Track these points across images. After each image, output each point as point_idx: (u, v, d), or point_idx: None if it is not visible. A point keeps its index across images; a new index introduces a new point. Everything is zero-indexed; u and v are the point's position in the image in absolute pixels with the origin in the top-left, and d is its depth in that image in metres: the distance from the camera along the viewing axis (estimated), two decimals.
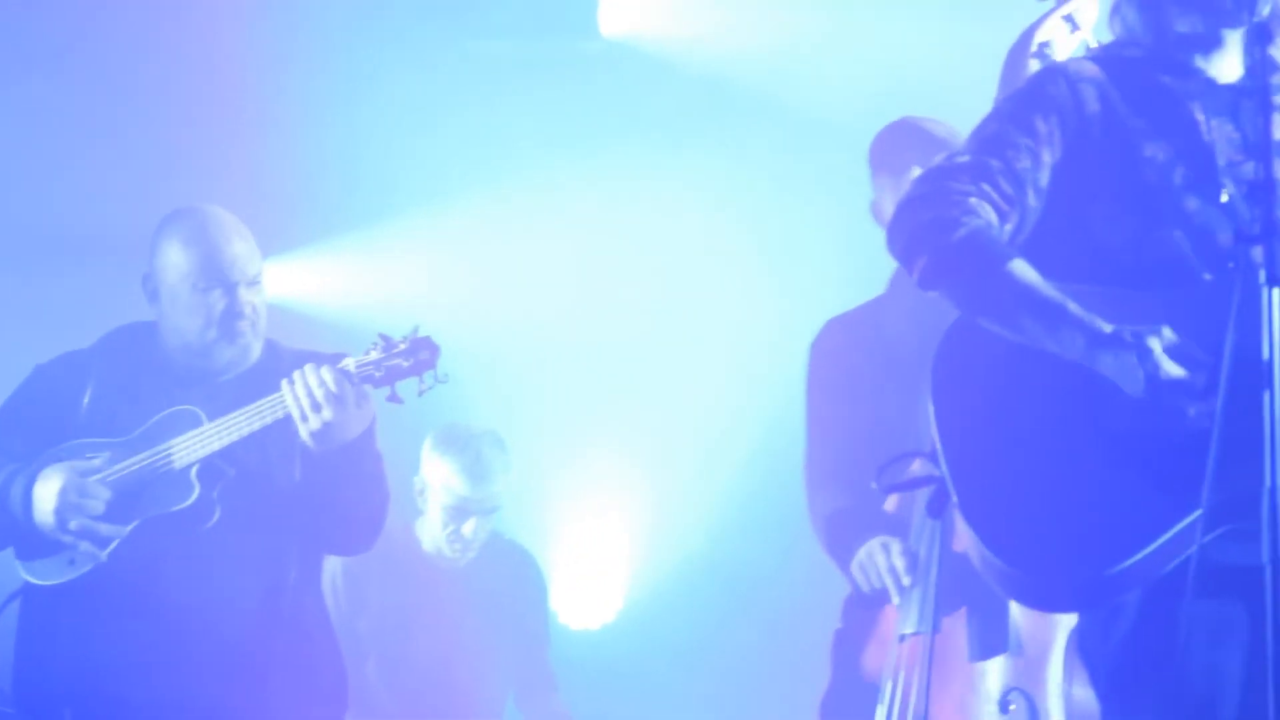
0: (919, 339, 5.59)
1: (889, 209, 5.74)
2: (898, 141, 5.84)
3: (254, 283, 5.89)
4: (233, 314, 5.82)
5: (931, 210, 4.16)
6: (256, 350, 5.91)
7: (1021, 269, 4.08)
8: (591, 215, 8.46)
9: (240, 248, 5.89)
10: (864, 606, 5.58)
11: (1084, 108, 4.22)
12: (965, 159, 4.21)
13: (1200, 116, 4.19)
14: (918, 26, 8.00)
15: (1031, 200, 4.20)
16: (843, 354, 5.87)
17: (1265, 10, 4.08)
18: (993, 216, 4.15)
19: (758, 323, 8.08)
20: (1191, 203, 4.13)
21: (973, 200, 4.14)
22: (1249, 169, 4.05)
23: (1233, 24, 4.20)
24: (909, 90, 7.49)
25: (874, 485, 4.99)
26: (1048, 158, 4.21)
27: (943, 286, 4.20)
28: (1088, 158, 4.21)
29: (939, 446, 4.12)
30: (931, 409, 4.17)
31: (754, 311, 7.31)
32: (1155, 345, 3.95)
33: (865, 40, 8.15)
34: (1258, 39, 4.01)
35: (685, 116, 8.46)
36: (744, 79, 8.41)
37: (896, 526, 5.57)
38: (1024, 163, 4.19)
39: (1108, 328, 3.99)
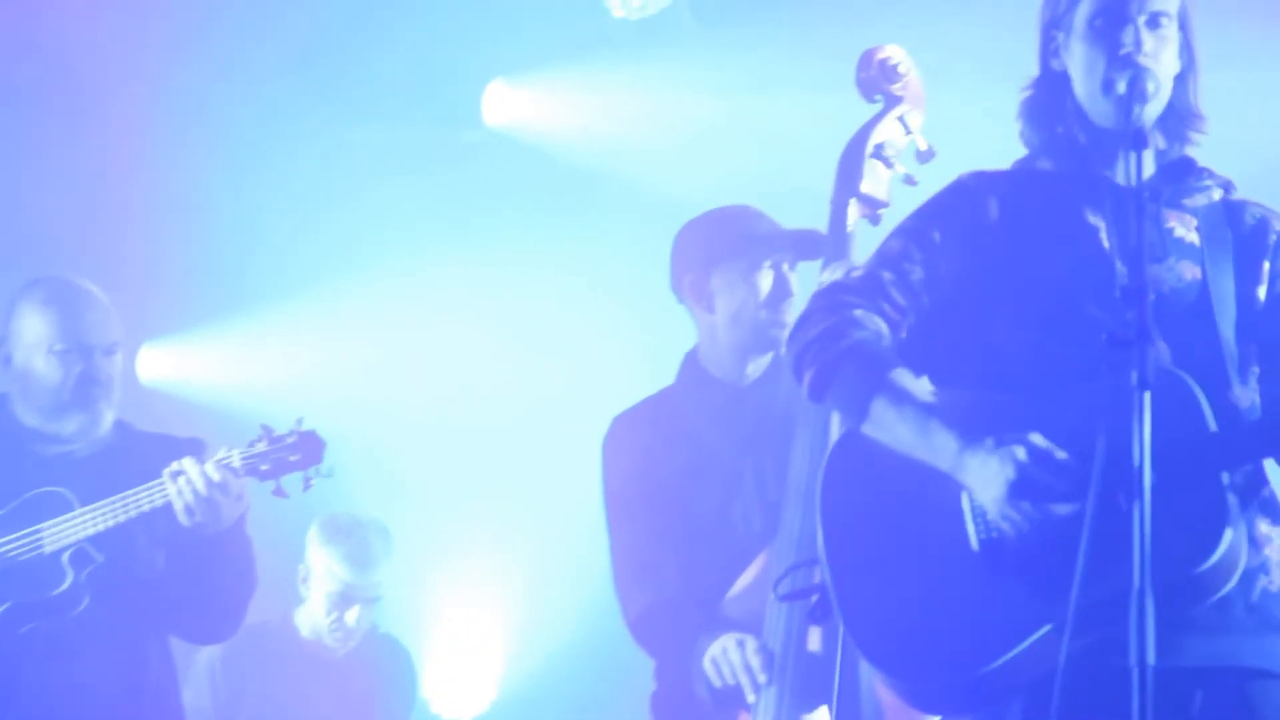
0: (731, 432, 5.64)
1: (721, 297, 5.80)
2: (743, 231, 5.80)
3: (110, 351, 5.85)
4: (88, 380, 5.79)
5: (822, 324, 4.24)
6: (108, 421, 5.86)
7: (901, 377, 4.14)
8: (473, 303, 8.51)
9: (99, 315, 5.86)
10: (718, 706, 5.54)
11: (985, 217, 4.29)
12: (859, 273, 4.30)
13: (1099, 222, 4.25)
14: (791, 117, 8.12)
15: (914, 303, 4.28)
16: (641, 450, 5.80)
17: (1141, 117, 4.13)
18: (883, 327, 4.22)
19: None
20: (1091, 310, 4.17)
21: (858, 313, 4.22)
22: (1150, 273, 4.04)
23: (1123, 127, 4.20)
24: (783, 181, 7.61)
25: (773, 594, 5.02)
26: (945, 269, 4.29)
27: (827, 397, 4.25)
28: (989, 267, 4.28)
29: (823, 556, 4.16)
30: (819, 520, 4.20)
31: (631, 400, 7.33)
32: (1020, 453, 3.99)
33: (741, 132, 8.28)
34: (1133, 145, 4.02)
35: (565, 205, 8.54)
36: (624, 169, 8.50)
37: (727, 623, 5.54)
38: (917, 274, 4.28)
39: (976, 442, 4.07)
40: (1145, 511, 3.66)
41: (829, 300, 4.28)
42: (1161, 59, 4.20)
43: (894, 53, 5.45)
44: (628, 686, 7.93)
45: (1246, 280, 4.24)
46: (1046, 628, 3.95)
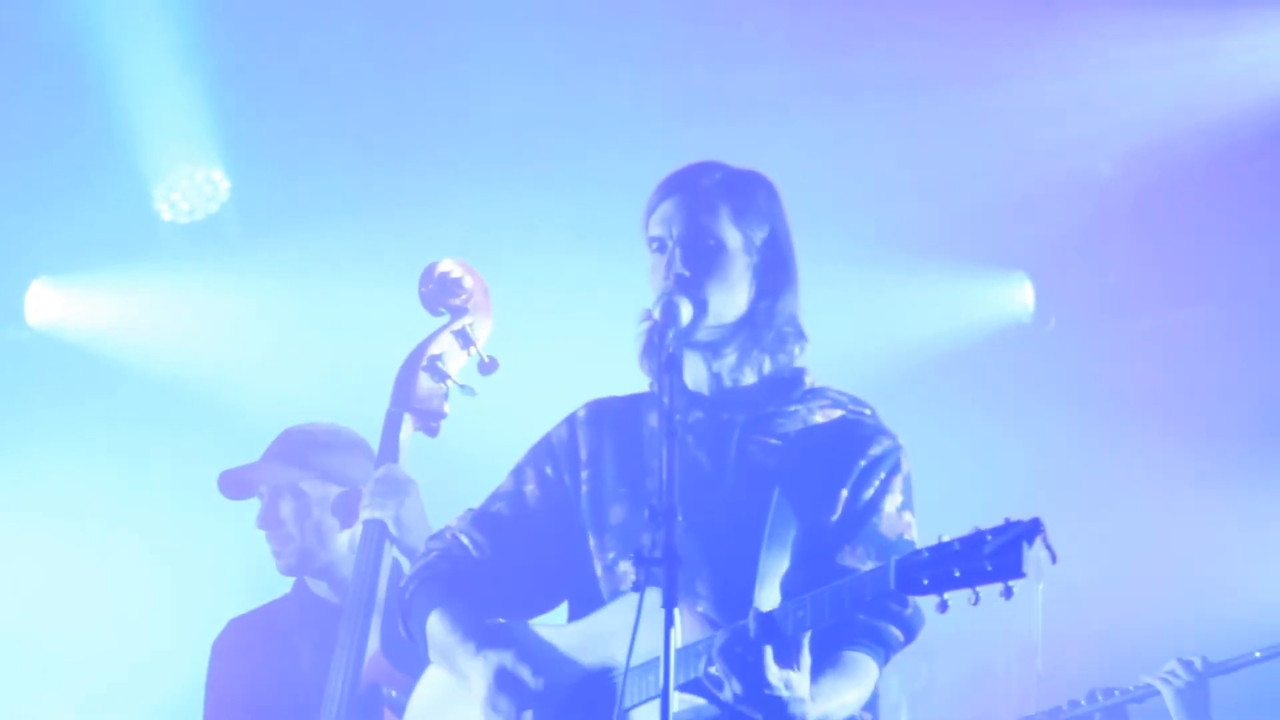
0: (318, 647, 5.61)
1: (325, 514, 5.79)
2: (252, 469, 5.80)
3: None
4: None
5: (411, 570, 4.58)
6: None
7: (445, 611, 4.40)
8: (17, 502, 8.36)
9: None
10: None
11: (576, 453, 4.47)
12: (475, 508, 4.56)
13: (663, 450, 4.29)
14: (333, 326, 8.22)
15: (510, 537, 4.48)
16: (243, 653, 5.77)
17: (671, 343, 4.17)
18: (460, 561, 4.48)
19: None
20: (647, 539, 4.21)
21: (434, 556, 4.52)
22: (700, 495, 4.22)
23: (657, 351, 4.29)
24: (329, 387, 7.67)
25: None
26: (533, 502, 4.48)
27: (407, 625, 4.52)
28: (570, 496, 4.45)
29: None
30: None
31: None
32: (503, 659, 4.27)
33: (289, 339, 8.35)
34: (666, 369, 4.10)
35: (110, 405, 8.45)
36: (168, 370, 8.45)
37: None
38: (497, 506, 4.52)
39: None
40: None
41: (428, 545, 4.57)
42: (708, 279, 4.28)
43: (453, 266, 5.52)
44: None
45: (818, 507, 4.25)
46: None
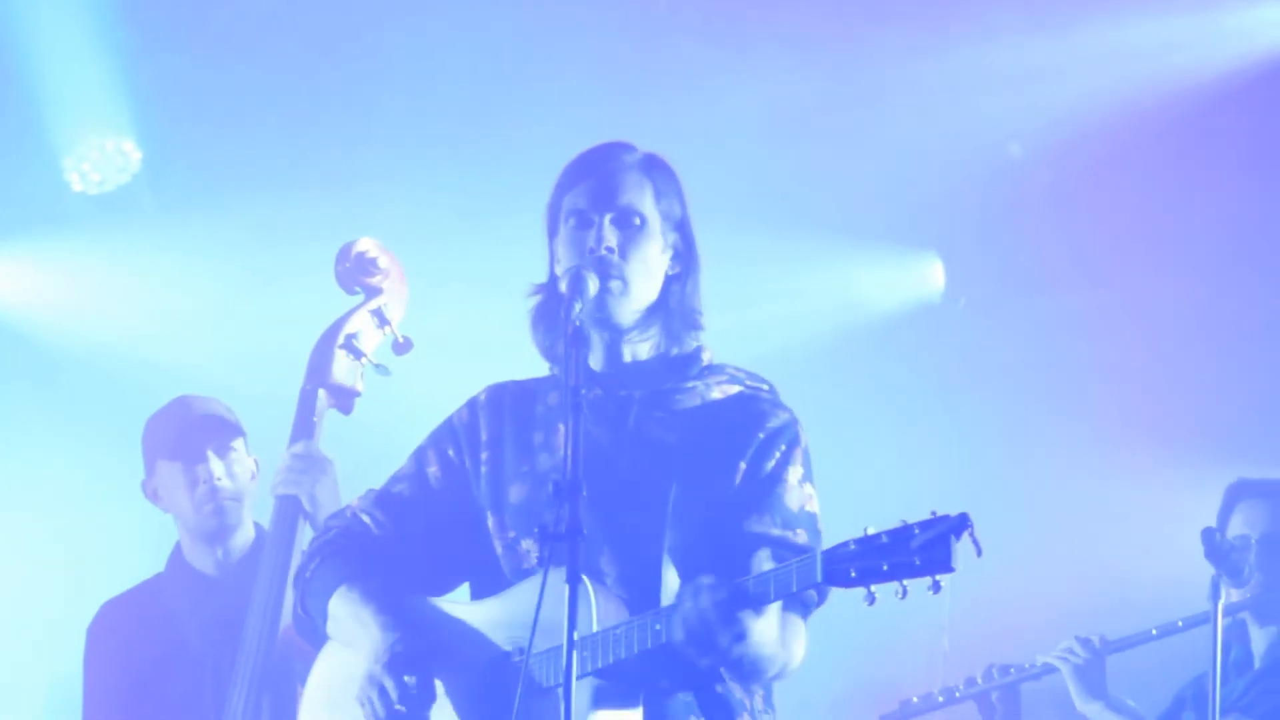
0: (201, 621, 5.61)
1: (170, 493, 5.73)
2: (188, 426, 5.75)
3: None
4: None
5: (310, 548, 4.55)
6: None
7: (351, 587, 4.38)
8: None
9: None
10: None
11: (477, 434, 4.46)
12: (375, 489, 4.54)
13: (561, 425, 4.28)
14: (247, 301, 8.18)
15: (412, 517, 4.46)
16: (122, 635, 5.75)
17: (579, 316, 4.16)
18: (362, 539, 4.46)
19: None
20: (550, 515, 4.21)
21: (334, 534, 4.49)
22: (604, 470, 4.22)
23: (563, 325, 4.26)
24: (237, 364, 7.64)
25: None
26: (435, 483, 4.47)
27: (306, 605, 4.50)
28: (471, 477, 4.45)
29: None
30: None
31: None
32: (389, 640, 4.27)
33: (200, 312, 8.30)
34: (572, 343, 4.09)
35: (13, 373, 8.41)
36: (76, 343, 8.40)
37: None
38: (399, 487, 4.50)
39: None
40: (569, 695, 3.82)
41: (328, 524, 4.57)
42: (633, 255, 4.29)
43: (370, 246, 5.54)
44: None
45: (719, 480, 4.28)
46: None
